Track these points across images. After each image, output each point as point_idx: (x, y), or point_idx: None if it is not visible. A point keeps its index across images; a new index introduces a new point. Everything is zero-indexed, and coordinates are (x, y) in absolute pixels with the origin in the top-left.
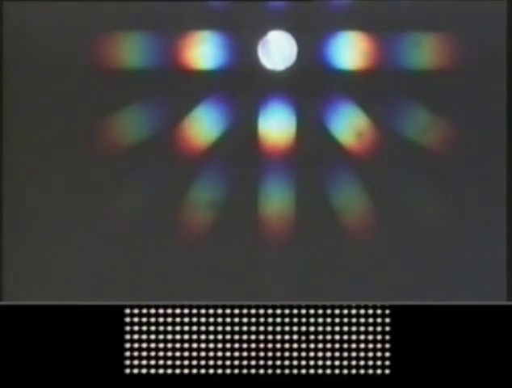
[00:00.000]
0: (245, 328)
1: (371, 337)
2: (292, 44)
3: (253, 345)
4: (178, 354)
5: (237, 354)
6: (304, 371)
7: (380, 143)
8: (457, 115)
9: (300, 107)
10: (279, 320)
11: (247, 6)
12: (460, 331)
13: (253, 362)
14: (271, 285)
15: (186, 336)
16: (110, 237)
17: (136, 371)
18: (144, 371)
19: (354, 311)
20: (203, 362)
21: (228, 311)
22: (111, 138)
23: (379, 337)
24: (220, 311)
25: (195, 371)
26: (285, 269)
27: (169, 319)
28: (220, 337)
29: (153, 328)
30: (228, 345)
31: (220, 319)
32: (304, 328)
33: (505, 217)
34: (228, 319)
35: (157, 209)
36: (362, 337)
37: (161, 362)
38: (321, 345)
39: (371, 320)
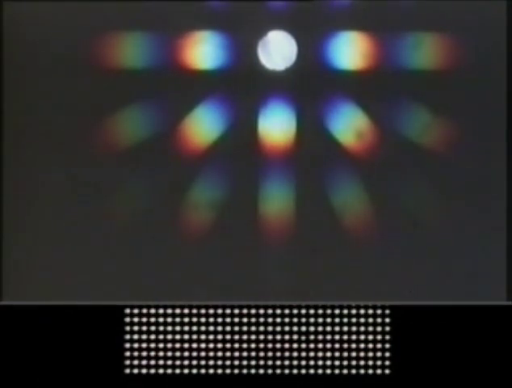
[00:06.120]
0: (245, 328)
1: (371, 337)
2: (292, 44)
3: (253, 345)
4: (178, 354)
5: (237, 354)
6: (304, 371)
7: (380, 143)
8: (457, 115)
9: (300, 107)
10: (279, 320)
11: (247, 6)
12: (460, 331)
13: (253, 362)
14: (271, 285)
15: (186, 336)
16: (110, 237)
17: (135, 371)
18: (144, 371)
19: (354, 311)
20: (203, 362)
21: (228, 311)
22: (111, 138)
23: (379, 337)
24: (220, 311)
25: (195, 371)
26: (285, 269)
27: (169, 319)
28: (220, 337)
29: (153, 328)
30: (228, 345)
31: (220, 319)
32: (304, 328)
33: (505, 217)
34: (228, 319)
35: (157, 209)
36: (362, 337)
37: (161, 362)
38: (320, 345)
39: (371, 320)
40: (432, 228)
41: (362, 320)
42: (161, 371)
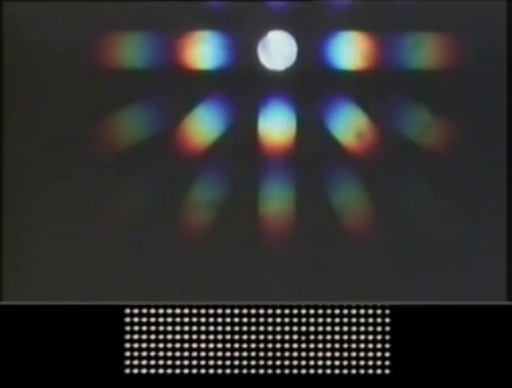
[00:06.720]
0: (245, 328)
1: (371, 337)
2: (292, 44)
3: (253, 345)
4: (178, 354)
5: (237, 354)
6: (304, 371)
7: (380, 143)
8: (457, 115)
9: (300, 107)
10: (279, 320)
11: (247, 6)
12: (460, 331)
13: (253, 362)
14: (271, 285)
15: (186, 336)
16: (110, 237)
17: (135, 371)
18: (144, 371)
19: (354, 311)
20: (203, 362)
21: (228, 311)
22: (111, 138)
23: (379, 337)
24: (220, 311)
25: (195, 371)
26: (285, 269)
27: (169, 319)
28: (220, 337)
29: (153, 328)
30: (228, 345)
31: (220, 319)
32: (304, 328)
33: (505, 217)
34: (228, 319)
35: (156, 209)
36: (362, 337)
37: (161, 362)
38: (320, 345)
39: (371, 320)
40: (432, 228)
41: (362, 320)
42: (161, 371)
